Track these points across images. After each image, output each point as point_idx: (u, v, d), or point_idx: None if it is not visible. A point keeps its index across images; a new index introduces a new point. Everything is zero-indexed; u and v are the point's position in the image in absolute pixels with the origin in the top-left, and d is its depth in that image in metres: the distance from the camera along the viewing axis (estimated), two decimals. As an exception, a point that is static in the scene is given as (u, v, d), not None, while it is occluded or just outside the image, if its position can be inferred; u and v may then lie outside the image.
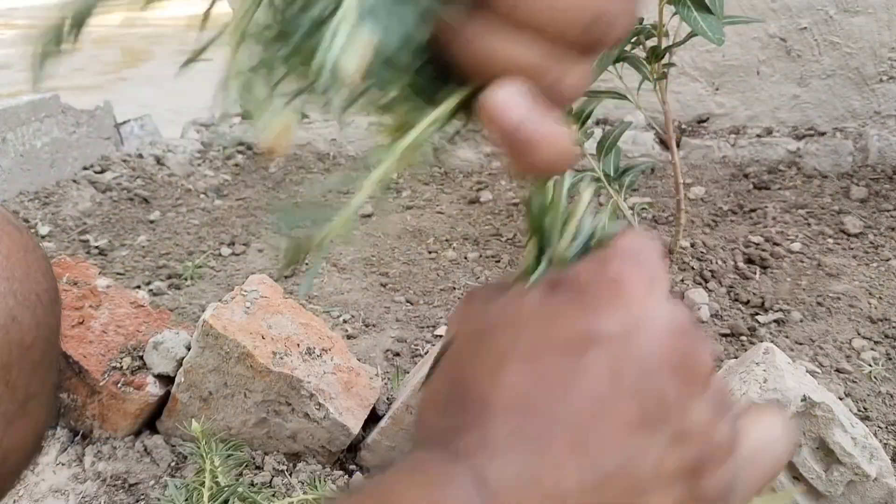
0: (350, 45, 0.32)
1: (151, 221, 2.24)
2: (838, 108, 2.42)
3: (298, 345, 1.15)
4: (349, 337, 1.55)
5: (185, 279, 1.85)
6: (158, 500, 1.05)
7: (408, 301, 1.71)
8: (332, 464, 1.16)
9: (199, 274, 1.88)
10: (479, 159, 2.62)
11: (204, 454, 1.01)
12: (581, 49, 0.33)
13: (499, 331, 0.35)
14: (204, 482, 0.98)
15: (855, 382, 1.34)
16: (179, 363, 1.15)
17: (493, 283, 0.43)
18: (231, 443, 1.10)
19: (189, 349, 1.15)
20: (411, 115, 0.37)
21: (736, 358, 1.27)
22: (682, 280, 1.69)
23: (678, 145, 2.42)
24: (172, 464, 1.15)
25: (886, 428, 1.21)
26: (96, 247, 2.03)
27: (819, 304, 1.58)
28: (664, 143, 2.44)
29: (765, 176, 2.32)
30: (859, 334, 1.48)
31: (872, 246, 1.83)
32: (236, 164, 2.76)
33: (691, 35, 1.45)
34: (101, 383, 1.13)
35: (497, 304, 0.38)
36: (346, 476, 1.13)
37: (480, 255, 1.92)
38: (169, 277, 1.86)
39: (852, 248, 1.83)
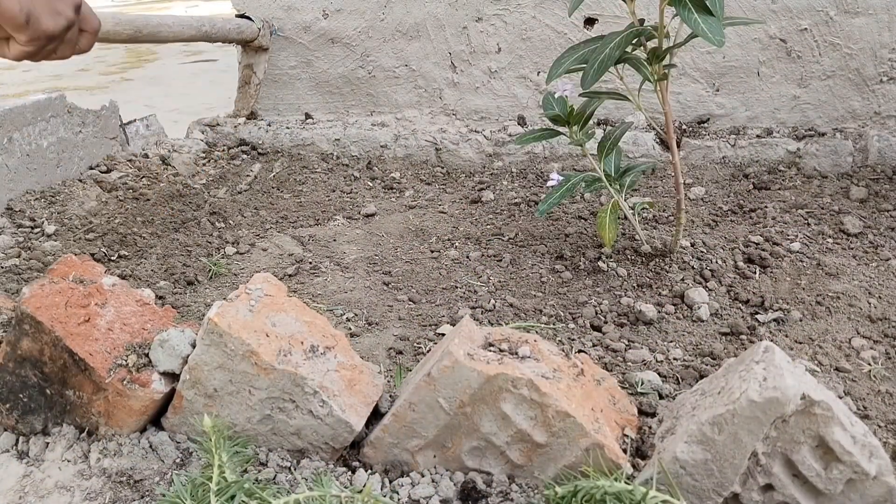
0: None
1: (156, 221, 2.25)
2: (838, 108, 2.42)
3: (302, 342, 1.16)
4: (352, 335, 1.56)
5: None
6: (163, 496, 1.06)
7: (410, 300, 1.72)
8: (336, 460, 1.17)
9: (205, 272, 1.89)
10: (480, 159, 2.63)
11: (213, 449, 1.02)
12: (30, 37, 0.85)
13: None
14: (211, 477, 0.99)
15: (854, 381, 1.34)
16: (185, 361, 1.17)
17: None
18: (237, 439, 1.11)
19: (194, 347, 1.16)
20: None
21: (736, 356, 1.28)
22: (683, 279, 1.70)
23: (678, 146, 2.43)
24: (178, 460, 1.16)
25: (886, 426, 1.22)
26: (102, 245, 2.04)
27: (819, 303, 1.59)
28: (664, 144, 2.45)
29: (765, 176, 2.33)
30: (859, 333, 1.49)
31: (872, 246, 1.84)
32: (240, 164, 2.77)
33: (692, 36, 1.46)
34: (107, 380, 1.15)
35: None
36: (350, 472, 1.14)
37: (482, 255, 1.93)
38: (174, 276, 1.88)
39: (852, 248, 1.84)
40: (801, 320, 1.54)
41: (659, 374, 1.37)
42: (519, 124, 2.71)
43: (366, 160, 2.73)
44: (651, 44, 1.53)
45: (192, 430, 1.18)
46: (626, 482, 0.96)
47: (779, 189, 2.24)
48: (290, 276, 1.86)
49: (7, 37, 0.89)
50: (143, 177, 2.53)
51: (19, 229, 2.11)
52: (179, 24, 2.36)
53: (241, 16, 2.78)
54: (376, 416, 1.19)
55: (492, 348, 1.14)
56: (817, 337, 1.48)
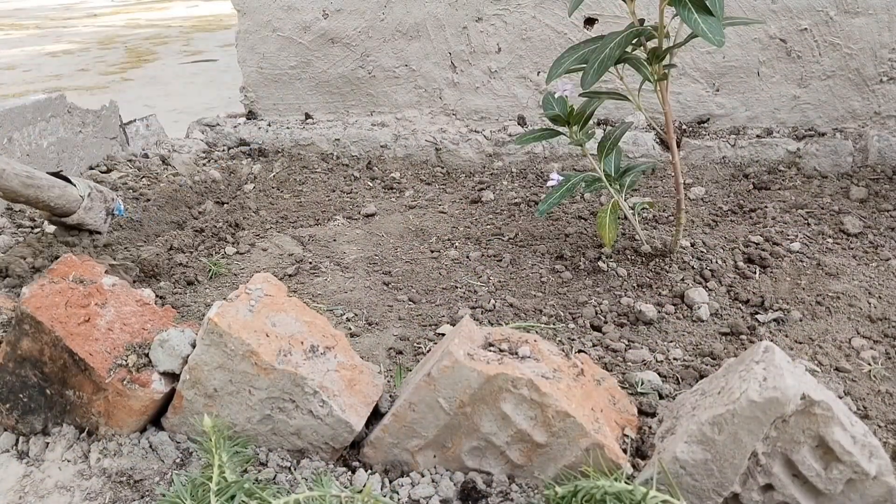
0: None
1: (156, 221, 2.25)
2: (838, 108, 2.42)
3: (302, 342, 1.16)
4: (352, 335, 1.56)
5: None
6: (163, 496, 1.06)
7: (410, 300, 1.72)
8: (336, 460, 1.17)
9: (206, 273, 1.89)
10: (480, 159, 2.63)
11: (213, 449, 1.02)
12: None
13: None
14: (211, 477, 0.99)
15: (854, 381, 1.34)
16: (185, 361, 1.17)
17: None
18: (237, 439, 1.11)
19: (194, 347, 1.16)
20: None
21: (736, 356, 1.28)
22: (683, 279, 1.70)
23: (678, 146, 2.43)
24: (178, 460, 1.16)
25: (886, 426, 1.22)
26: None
27: (819, 303, 1.59)
28: (664, 144, 2.45)
29: (765, 176, 2.33)
30: (859, 333, 1.49)
31: (872, 246, 1.84)
32: (240, 164, 2.77)
33: (692, 36, 1.46)
34: (107, 380, 1.15)
35: None
36: (350, 472, 1.14)
37: (482, 255, 1.93)
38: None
39: (852, 248, 1.84)
40: (801, 320, 1.54)
41: (659, 374, 1.37)
42: (519, 124, 2.71)
43: (366, 160, 2.73)
44: (651, 44, 1.53)
45: (192, 430, 1.18)
46: (626, 482, 0.96)
47: (779, 189, 2.24)
48: (290, 276, 1.86)
49: None
50: (143, 177, 2.53)
51: (19, 229, 2.11)
52: None
53: (56, 174, 1.76)
54: (376, 416, 1.19)
55: (492, 348, 1.14)
56: (817, 337, 1.48)
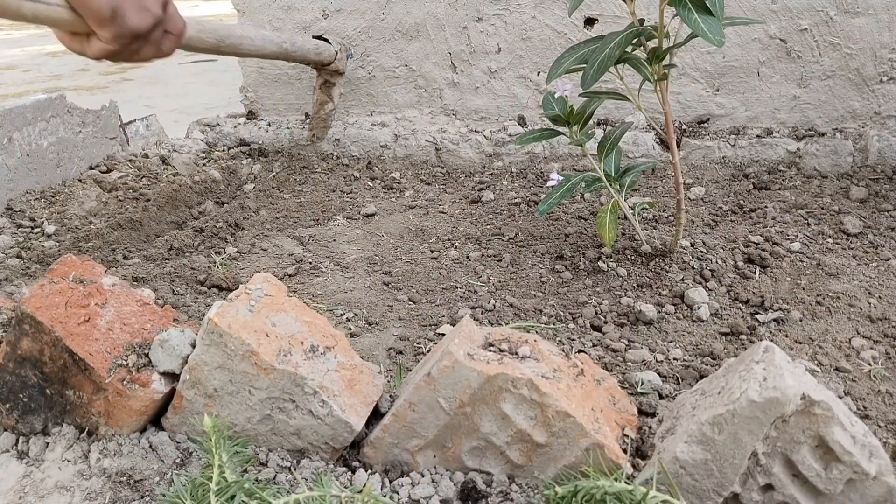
0: None
1: (155, 221, 2.25)
2: (838, 108, 2.42)
3: (302, 342, 1.16)
4: (352, 335, 1.56)
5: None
6: (163, 496, 1.06)
7: (410, 300, 1.72)
8: (336, 460, 1.17)
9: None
10: (480, 159, 2.63)
11: (213, 449, 1.02)
12: (114, 34, 0.82)
13: None
14: (211, 477, 0.99)
15: (854, 381, 1.34)
16: (185, 361, 1.17)
17: None
18: (237, 439, 1.11)
19: (194, 347, 1.16)
20: None
21: (736, 356, 1.28)
22: (683, 279, 1.70)
23: (678, 146, 2.43)
24: (178, 460, 1.16)
25: (886, 426, 1.22)
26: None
27: (819, 303, 1.59)
28: (664, 144, 2.45)
29: (765, 176, 2.33)
30: (859, 333, 1.49)
31: (872, 246, 1.84)
32: (240, 164, 2.77)
33: (692, 36, 1.46)
34: (107, 380, 1.15)
35: None
36: (350, 472, 1.14)
37: (482, 255, 1.93)
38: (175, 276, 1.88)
39: (852, 248, 1.84)
40: (801, 320, 1.54)
41: (659, 374, 1.37)
42: (519, 124, 2.71)
43: (366, 160, 2.73)
44: (651, 44, 1.53)
45: (192, 430, 1.18)
46: (626, 482, 0.96)
47: (779, 189, 2.24)
48: (290, 276, 1.86)
49: (89, 32, 0.82)
50: (143, 177, 2.53)
51: (19, 229, 2.11)
52: (262, 39, 2.21)
53: (318, 37, 2.64)
54: (376, 416, 1.19)
55: (492, 348, 1.14)
56: (817, 337, 1.48)
